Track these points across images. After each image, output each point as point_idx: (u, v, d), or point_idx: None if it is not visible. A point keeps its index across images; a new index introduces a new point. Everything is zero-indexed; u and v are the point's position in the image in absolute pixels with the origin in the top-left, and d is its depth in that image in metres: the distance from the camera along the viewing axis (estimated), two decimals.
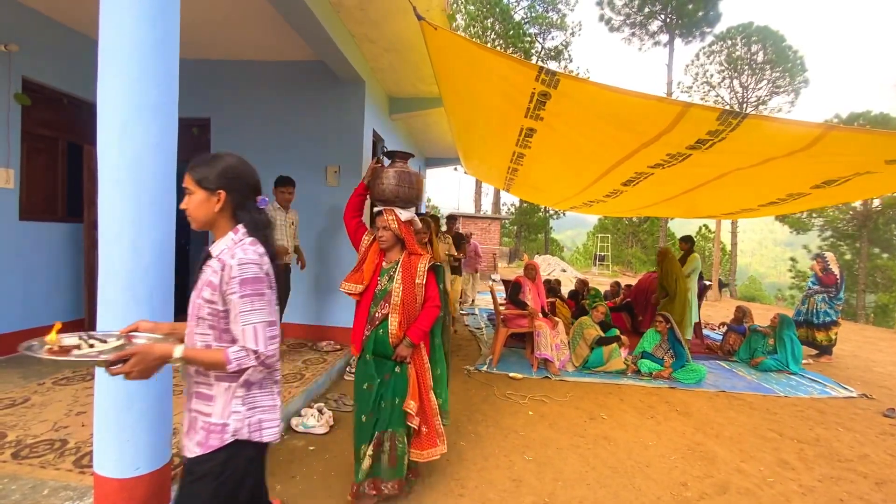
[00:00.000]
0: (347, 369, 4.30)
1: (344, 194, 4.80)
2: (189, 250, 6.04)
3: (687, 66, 23.56)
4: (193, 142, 5.11)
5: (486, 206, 28.63)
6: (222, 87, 4.92)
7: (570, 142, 3.51)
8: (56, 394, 3.13)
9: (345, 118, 4.84)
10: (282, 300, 4.13)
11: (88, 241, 4.42)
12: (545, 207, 26.63)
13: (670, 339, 5.04)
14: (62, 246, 4.39)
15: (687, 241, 6.42)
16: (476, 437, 3.19)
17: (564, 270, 17.43)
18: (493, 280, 14.24)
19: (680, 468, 2.90)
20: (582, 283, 7.57)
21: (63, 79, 4.26)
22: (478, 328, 6.96)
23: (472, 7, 23.06)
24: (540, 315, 4.97)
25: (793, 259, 21.02)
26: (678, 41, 23.51)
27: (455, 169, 16.88)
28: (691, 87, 23.18)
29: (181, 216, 1.86)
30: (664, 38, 23.79)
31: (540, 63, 23.99)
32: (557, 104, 2.80)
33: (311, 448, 2.90)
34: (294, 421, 3.14)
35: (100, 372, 1.76)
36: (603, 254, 23.65)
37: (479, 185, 27.04)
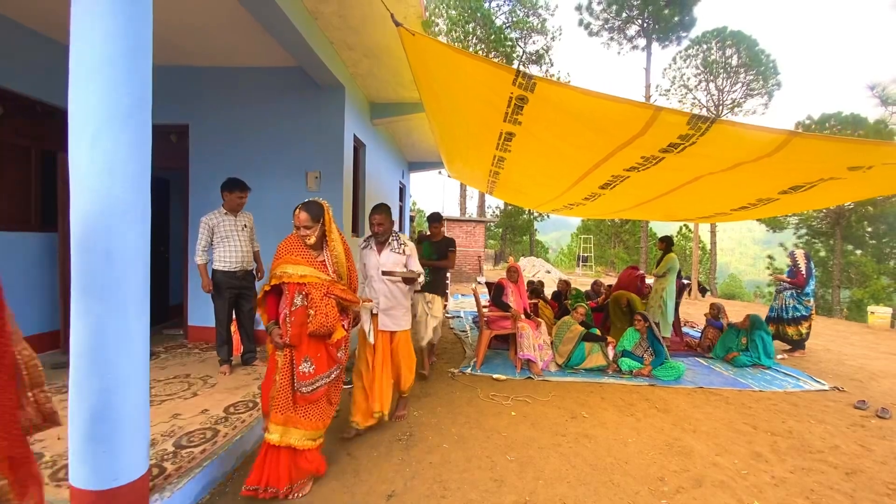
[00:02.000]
0: None
1: (324, 198, 4.81)
2: (168, 258, 5.94)
3: (665, 69, 24.09)
4: (171, 148, 5.05)
5: (472, 209, 28.75)
6: (201, 93, 4.88)
7: (548, 145, 3.58)
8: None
9: (325, 123, 4.84)
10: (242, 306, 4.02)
11: (63, 251, 4.33)
12: (530, 210, 26.90)
13: (649, 337, 5.14)
14: (36, 256, 4.29)
15: (665, 241, 6.57)
16: (459, 439, 3.21)
17: (549, 272, 17.62)
18: (479, 283, 14.30)
19: (658, 463, 2.97)
20: (564, 284, 7.67)
21: (36, 86, 4.18)
22: (462, 331, 6.99)
23: (453, 12, 23.22)
24: (523, 316, 5.02)
25: (770, 257, 21.60)
26: (655, 45, 24.03)
27: (439, 173, 16.95)
28: (669, 91, 23.69)
29: (156, 223, 1.86)
30: (642, 42, 24.28)
31: (519, 67, 24.29)
32: (535, 108, 2.86)
33: None
34: None
35: (73, 381, 1.74)
36: (586, 255, 23.96)
37: (463, 188, 27.16)
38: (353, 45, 4.28)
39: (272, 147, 4.89)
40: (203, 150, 4.92)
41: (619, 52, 25.45)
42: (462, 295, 11.79)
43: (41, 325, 4.32)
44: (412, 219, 12.70)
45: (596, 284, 8.07)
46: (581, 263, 23.19)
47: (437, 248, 4.57)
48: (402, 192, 10.08)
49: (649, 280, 6.97)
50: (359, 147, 5.74)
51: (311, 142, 4.85)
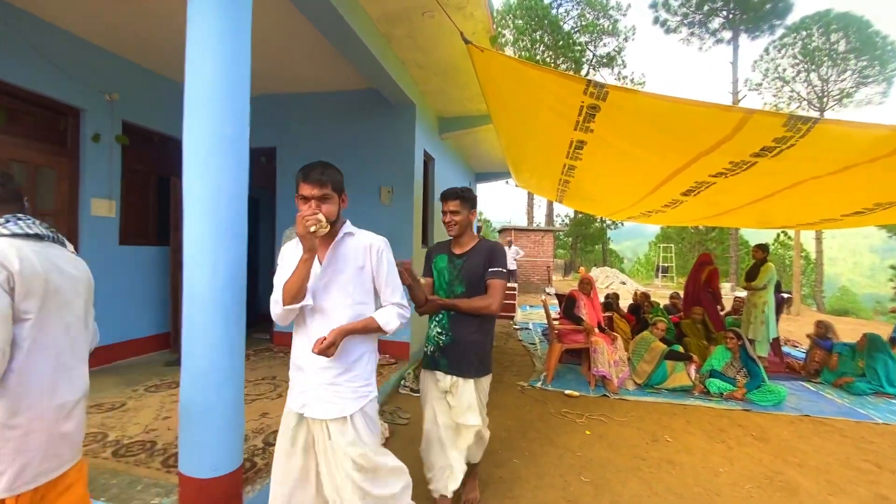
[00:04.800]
0: (402, 383, 4.41)
1: (397, 213, 5.02)
2: (257, 269, 6.51)
3: (755, 62, 22.09)
4: (261, 169, 5.56)
5: (539, 218, 28.21)
6: (286, 118, 5.33)
7: (622, 152, 3.44)
8: (147, 400, 3.49)
9: (397, 140, 5.05)
10: None
11: (174, 263, 4.92)
12: (602, 218, 25.80)
13: (742, 356, 4.67)
14: (153, 267, 4.92)
15: (762, 249, 5.95)
16: (530, 455, 3.14)
17: (624, 283, 16.70)
18: (547, 293, 13.94)
19: (756, 498, 2.68)
20: (643, 297, 7.23)
21: (154, 119, 4.84)
22: (531, 343, 6.85)
23: (520, 21, 23.19)
24: (597, 330, 4.82)
25: (894, 267, 18.64)
26: (743, 37, 22.11)
27: (507, 182, 16.88)
28: (761, 84, 21.65)
29: (247, 237, 2.06)
30: (727, 34, 22.47)
31: (589, 76, 23.55)
32: (607, 116, 2.77)
33: None
34: None
35: (184, 380, 1.97)
36: (666, 265, 22.35)
37: (530, 197, 26.77)
38: (423, 64, 4.44)
39: (349, 165, 5.17)
40: (288, 171, 5.36)
41: (700, 48, 23.79)
42: (530, 306, 11.57)
43: (157, 328, 4.93)
44: (479, 229, 12.74)
45: (675, 297, 7.52)
46: (660, 274, 21.68)
47: (466, 268, 2.26)
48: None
49: (738, 292, 6.36)
50: (428, 161, 5.91)
51: (384, 158, 5.08)
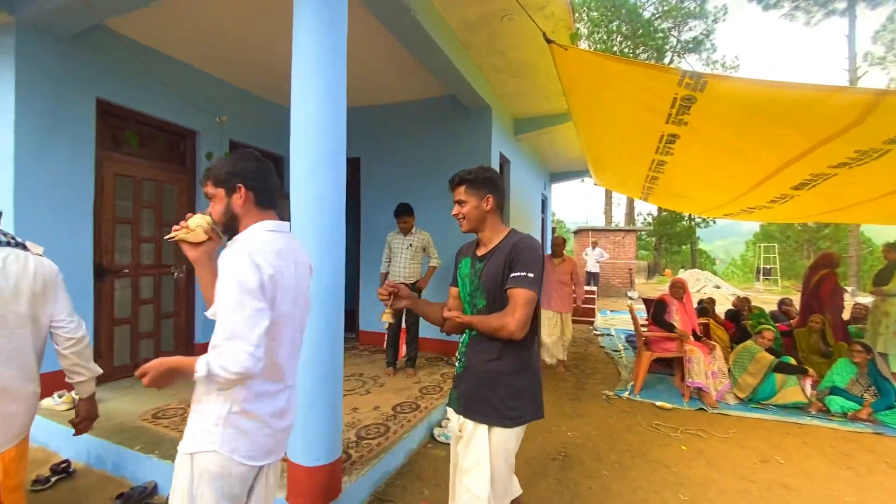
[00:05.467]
0: None
1: None
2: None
3: (877, 32, 19.12)
4: (347, 179, 5.91)
5: (619, 218, 26.80)
6: (369, 129, 5.62)
7: (721, 145, 3.17)
8: None
9: (473, 144, 5.10)
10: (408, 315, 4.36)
11: None
12: (690, 215, 23.85)
13: (871, 372, 4.06)
14: None
15: (893, 249, 5.13)
16: (620, 468, 2.99)
17: (718, 287, 15.28)
18: (631, 298, 13.19)
19: None
20: (742, 302, 6.56)
21: (255, 137, 5.36)
22: (615, 350, 6.52)
23: (594, 13, 22.28)
24: (691, 338, 4.46)
25: None
26: (861, 6, 19.25)
27: (582, 181, 16.24)
28: (885, 59, 18.69)
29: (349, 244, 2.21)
30: (841, 5, 19.73)
31: (673, 63, 21.94)
32: (704, 107, 2.58)
33: None
34: (436, 431, 3.35)
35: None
36: (769, 266, 20.04)
37: (609, 195, 25.55)
38: (500, 67, 4.45)
39: (427, 170, 5.35)
40: (371, 179, 5.65)
41: (808, 23, 21.13)
42: (611, 311, 11.03)
43: None
44: (553, 230, 12.41)
45: (784, 304, 6.72)
46: (762, 277, 19.48)
47: (485, 273, 1.72)
48: (544, 203, 9.96)
49: (861, 297, 5.52)
50: (504, 163, 5.89)
51: (461, 163, 5.07)
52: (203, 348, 4.22)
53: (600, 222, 25.34)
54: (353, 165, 5.82)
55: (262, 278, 1.21)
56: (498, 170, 5.35)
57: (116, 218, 3.98)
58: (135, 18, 3.43)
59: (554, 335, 5.17)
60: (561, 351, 5.26)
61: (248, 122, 5.22)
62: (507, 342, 1.57)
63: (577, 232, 15.94)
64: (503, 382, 1.60)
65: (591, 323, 8.72)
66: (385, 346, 4.64)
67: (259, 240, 1.28)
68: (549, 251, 6.08)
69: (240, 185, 1.33)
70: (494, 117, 5.10)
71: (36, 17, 3.13)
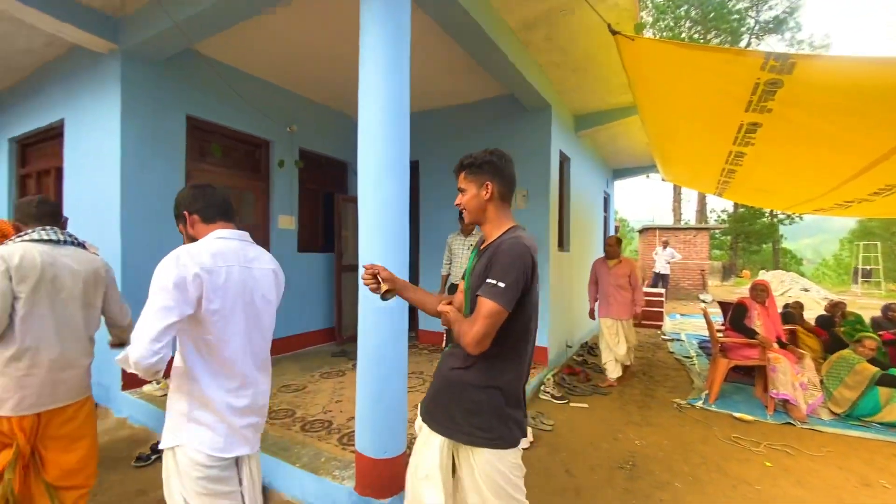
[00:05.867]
0: (542, 388, 4.34)
1: (532, 216, 4.99)
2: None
3: None
4: None
5: (689, 215, 25.11)
6: (426, 133, 5.72)
7: (812, 132, 2.88)
8: (322, 384, 4.08)
9: (532, 143, 5.03)
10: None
11: (337, 267, 5.68)
12: (772, 211, 21.79)
13: None
14: (321, 271, 5.74)
15: None
16: (695, 482, 2.81)
17: (807, 290, 13.81)
18: (704, 301, 12.32)
19: None
20: (834, 306, 5.89)
21: (322, 145, 5.66)
22: (686, 357, 6.12)
23: (659, 0, 21.05)
24: (775, 345, 4.09)
25: None
26: None
27: (647, 177, 15.38)
28: None
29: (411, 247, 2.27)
30: None
31: (751, 46, 20.16)
32: (792, 91, 2.36)
33: None
34: None
35: (360, 370, 2.25)
36: (869, 267, 17.75)
37: (677, 192, 23.99)
38: (560, 63, 4.35)
39: None
40: (429, 182, 5.75)
41: None
42: (681, 314, 10.36)
43: (325, 322, 5.73)
44: (617, 229, 11.89)
45: (890, 310, 5.94)
46: (861, 279, 17.30)
47: (473, 274, 1.53)
48: (607, 201, 9.57)
49: None
50: (564, 161, 5.74)
51: (518, 162, 5.01)
52: (277, 343, 4.45)
53: (668, 220, 23.90)
54: (412, 169, 5.95)
55: (184, 276, 1.29)
56: (558, 168, 5.23)
57: None
58: (218, 41, 3.75)
59: (618, 345, 4.69)
60: (625, 357, 4.81)
61: (315, 130, 5.52)
62: (484, 356, 1.39)
63: (643, 231, 15.15)
64: (466, 395, 1.42)
65: (659, 327, 8.24)
66: (444, 345, 4.70)
67: (199, 244, 1.43)
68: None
69: (184, 212, 1.54)
70: (554, 114, 4.99)
71: (136, 45, 3.53)
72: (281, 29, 3.70)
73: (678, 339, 7.31)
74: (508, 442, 1.40)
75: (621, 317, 4.67)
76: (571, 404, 4.13)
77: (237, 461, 1.45)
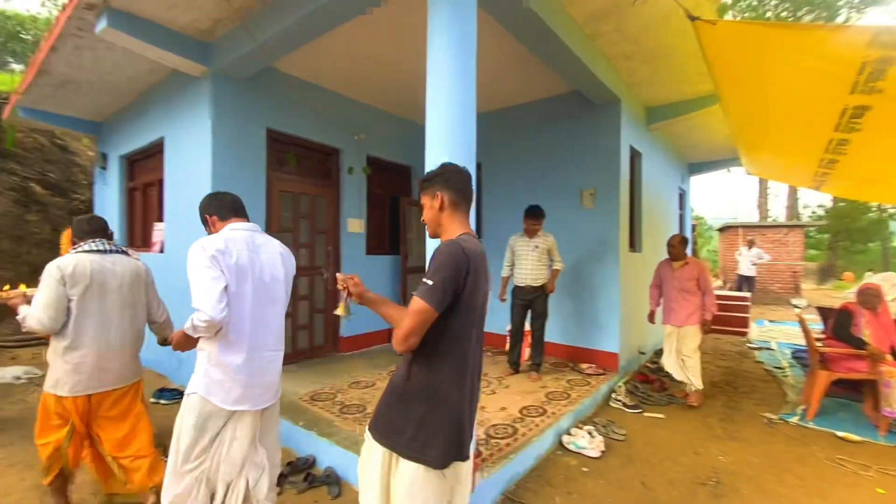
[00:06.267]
0: (613, 396, 4.16)
1: (601, 215, 4.80)
2: None
3: None
4: None
5: (777, 212, 22.80)
6: (488, 134, 5.70)
7: None
8: (386, 381, 4.20)
9: (600, 140, 4.84)
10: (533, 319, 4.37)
11: (403, 268, 5.84)
12: (879, 205, 19.15)
13: None
14: (388, 272, 5.93)
15: None
16: None
17: None
18: (797, 307, 11.12)
19: None
20: None
21: (388, 151, 5.85)
22: (777, 367, 5.55)
23: None
24: (889, 357, 3.59)
25: None
26: None
27: (728, 171, 14.15)
28: None
29: None
30: None
31: (850, 21, 17.86)
32: None
33: (585, 469, 2.92)
34: (565, 438, 3.24)
35: None
36: None
37: (763, 186, 21.86)
38: (630, 55, 4.15)
39: (549, 171, 5.23)
40: (491, 182, 5.73)
41: None
42: (769, 321, 9.42)
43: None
44: (693, 227, 11.08)
45: None
46: None
47: None
48: (682, 198, 8.95)
49: None
50: (635, 157, 5.46)
51: (586, 160, 4.94)
52: (346, 341, 4.71)
53: (752, 217, 21.86)
54: (476, 171, 5.97)
55: (211, 254, 1.66)
56: (628, 164, 4.98)
57: (281, 227, 4.70)
58: (293, 58, 4.00)
59: (669, 355, 4.30)
60: (680, 372, 4.21)
61: (382, 138, 5.72)
62: (416, 359, 1.38)
63: (724, 229, 13.99)
64: (402, 403, 1.38)
65: (744, 334, 7.56)
66: (507, 347, 4.65)
67: (214, 235, 1.80)
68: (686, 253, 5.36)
69: (206, 216, 1.96)
70: (624, 108, 4.76)
71: (224, 66, 3.88)
72: (350, 42, 3.88)
73: (767, 348, 6.65)
74: (427, 460, 1.32)
75: (677, 323, 4.23)
76: (645, 414, 3.91)
77: (231, 413, 1.75)
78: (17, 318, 2.15)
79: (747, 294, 8.19)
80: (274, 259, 1.86)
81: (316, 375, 4.33)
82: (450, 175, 1.52)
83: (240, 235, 1.81)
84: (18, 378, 4.56)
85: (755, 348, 6.65)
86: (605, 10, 3.43)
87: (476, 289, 1.36)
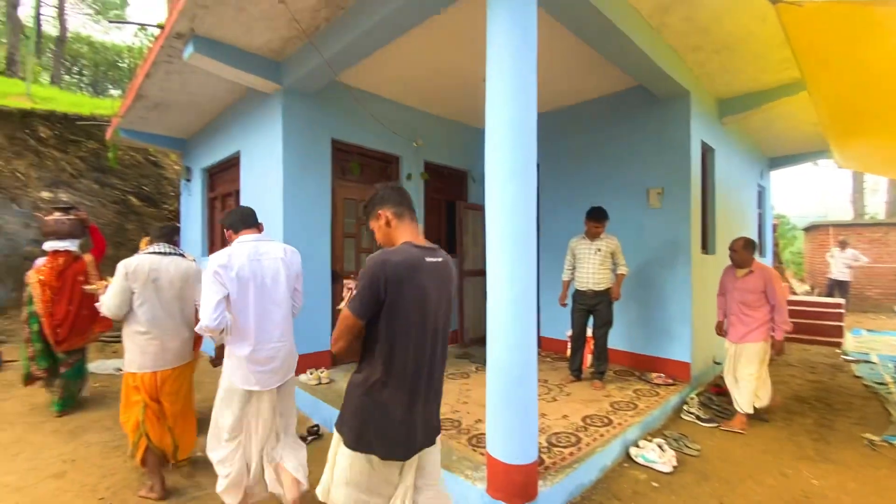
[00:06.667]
0: (685, 408, 3.90)
1: (669, 216, 4.54)
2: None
3: None
4: None
5: (875, 208, 20.32)
6: (546, 135, 5.57)
7: None
8: (449, 385, 4.23)
9: (667, 136, 4.58)
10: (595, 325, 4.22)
11: (459, 272, 5.87)
12: None
13: None
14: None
15: None
16: None
17: None
18: None
19: None
20: None
21: (445, 156, 5.93)
22: (880, 383, 4.94)
23: None
24: None
25: None
26: None
27: (815, 164, 12.81)
28: None
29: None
30: None
31: None
32: None
33: (655, 484, 2.77)
34: (633, 451, 3.09)
35: (489, 374, 2.29)
36: None
37: (858, 180, 19.57)
38: (700, 45, 3.90)
39: (610, 171, 5.04)
40: (550, 183, 5.61)
41: None
42: (868, 330, 8.40)
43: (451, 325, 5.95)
44: (775, 227, 10.16)
45: None
46: None
47: None
48: (761, 195, 8.24)
49: None
50: (706, 153, 5.11)
51: (652, 158, 4.70)
52: None
53: (846, 215, 19.64)
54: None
55: (215, 270, 2.04)
56: (699, 161, 4.67)
57: (344, 233, 4.91)
58: (355, 70, 4.18)
59: (728, 374, 3.84)
60: (742, 397, 3.67)
61: (439, 143, 5.81)
62: (361, 359, 1.56)
63: (810, 229, 12.70)
64: (352, 394, 1.54)
65: (838, 345, 6.80)
66: (568, 353, 4.52)
67: (222, 251, 2.13)
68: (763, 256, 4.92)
69: (224, 230, 2.34)
70: (693, 101, 4.47)
71: (293, 83, 4.13)
72: (408, 52, 3.98)
73: (866, 361, 5.93)
74: (350, 444, 1.49)
75: (739, 341, 3.72)
76: (722, 428, 3.63)
77: (251, 393, 2.17)
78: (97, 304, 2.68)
79: (841, 300, 7.37)
80: (276, 265, 2.21)
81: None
82: (385, 194, 1.65)
83: (244, 248, 2.16)
84: (119, 370, 5.11)
85: (851, 361, 5.96)
86: (672, 0, 3.25)
87: (400, 296, 1.44)
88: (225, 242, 2.30)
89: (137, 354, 2.56)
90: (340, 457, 1.53)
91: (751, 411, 3.67)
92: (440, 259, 1.58)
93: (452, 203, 6.16)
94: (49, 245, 3.81)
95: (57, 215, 3.88)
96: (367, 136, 4.99)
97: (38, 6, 17.79)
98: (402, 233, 1.61)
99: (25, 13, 16.18)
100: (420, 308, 1.49)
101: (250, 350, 2.10)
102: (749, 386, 3.66)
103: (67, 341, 3.74)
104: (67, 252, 3.83)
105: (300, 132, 4.38)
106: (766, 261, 8.53)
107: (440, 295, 1.55)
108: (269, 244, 2.25)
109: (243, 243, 2.18)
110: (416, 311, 1.48)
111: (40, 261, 3.87)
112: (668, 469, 2.89)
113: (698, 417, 3.76)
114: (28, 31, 15.42)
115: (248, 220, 2.31)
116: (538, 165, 5.60)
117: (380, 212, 1.63)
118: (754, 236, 7.45)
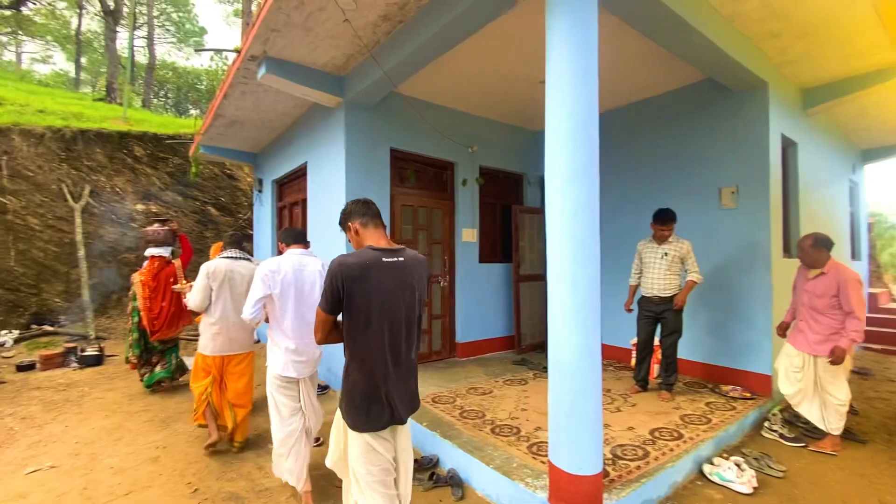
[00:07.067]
0: (766, 425, 3.60)
1: (745, 216, 4.22)
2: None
3: None
4: None
5: None
6: (607, 134, 5.37)
7: None
8: (506, 391, 4.21)
9: (742, 130, 4.27)
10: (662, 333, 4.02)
11: (515, 277, 5.82)
12: None
13: None
14: (500, 280, 5.96)
15: None
16: None
17: None
18: None
19: None
20: None
21: (500, 160, 5.92)
22: None
23: None
24: None
25: None
26: None
27: None
28: None
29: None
30: None
31: None
32: None
33: None
34: (706, 468, 2.90)
35: (551, 382, 2.25)
36: None
37: None
38: (779, 31, 3.61)
39: (677, 170, 4.78)
40: (612, 185, 5.39)
41: None
42: None
43: (504, 330, 5.93)
44: (870, 227, 9.11)
45: None
46: None
47: None
48: (853, 191, 7.42)
49: None
50: (787, 147, 4.69)
51: (724, 154, 4.39)
52: (463, 347, 4.83)
53: None
54: None
55: (265, 273, 2.47)
56: (779, 156, 4.31)
57: (402, 239, 5.04)
58: (412, 80, 4.28)
59: (796, 385, 3.44)
60: (809, 407, 3.40)
61: (493, 147, 5.81)
62: (345, 346, 1.76)
63: None
64: (342, 380, 1.79)
65: None
66: (632, 362, 4.33)
67: (275, 258, 2.57)
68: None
69: (279, 242, 2.80)
70: (772, 92, 4.13)
71: (355, 96, 4.32)
72: (463, 59, 4.03)
73: None
74: (351, 425, 1.74)
75: (815, 352, 3.32)
76: (811, 449, 3.31)
77: (293, 380, 2.63)
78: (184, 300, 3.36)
79: None
80: (313, 276, 2.62)
81: (435, 379, 4.53)
82: (350, 209, 1.93)
83: (291, 259, 2.60)
84: None
85: None
86: None
87: (355, 293, 1.65)
88: (279, 252, 2.77)
89: (209, 340, 3.18)
90: (350, 437, 1.79)
91: (840, 432, 3.32)
92: (400, 258, 1.76)
93: (507, 207, 6.12)
94: (149, 251, 4.61)
95: (156, 226, 4.69)
96: (424, 144, 5.10)
97: (131, 38, 19.98)
98: (367, 238, 1.84)
99: (121, 45, 18.23)
100: (378, 301, 1.68)
101: (287, 343, 2.54)
102: (838, 405, 3.29)
103: (161, 331, 4.50)
104: (162, 257, 4.60)
105: (361, 143, 4.57)
106: (861, 265, 7.66)
107: (399, 288, 1.73)
108: (311, 258, 2.68)
109: (291, 255, 2.62)
110: (372, 304, 1.67)
111: (143, 264, 4.67)
112: (747, 490, 2.68)
113: (782, 435, 3.45)
114: (123, 62, 17.34)
115: (299, 238, 2.77)
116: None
117: (349, 224, 1.90)
118: (846, 237, 6.73)
